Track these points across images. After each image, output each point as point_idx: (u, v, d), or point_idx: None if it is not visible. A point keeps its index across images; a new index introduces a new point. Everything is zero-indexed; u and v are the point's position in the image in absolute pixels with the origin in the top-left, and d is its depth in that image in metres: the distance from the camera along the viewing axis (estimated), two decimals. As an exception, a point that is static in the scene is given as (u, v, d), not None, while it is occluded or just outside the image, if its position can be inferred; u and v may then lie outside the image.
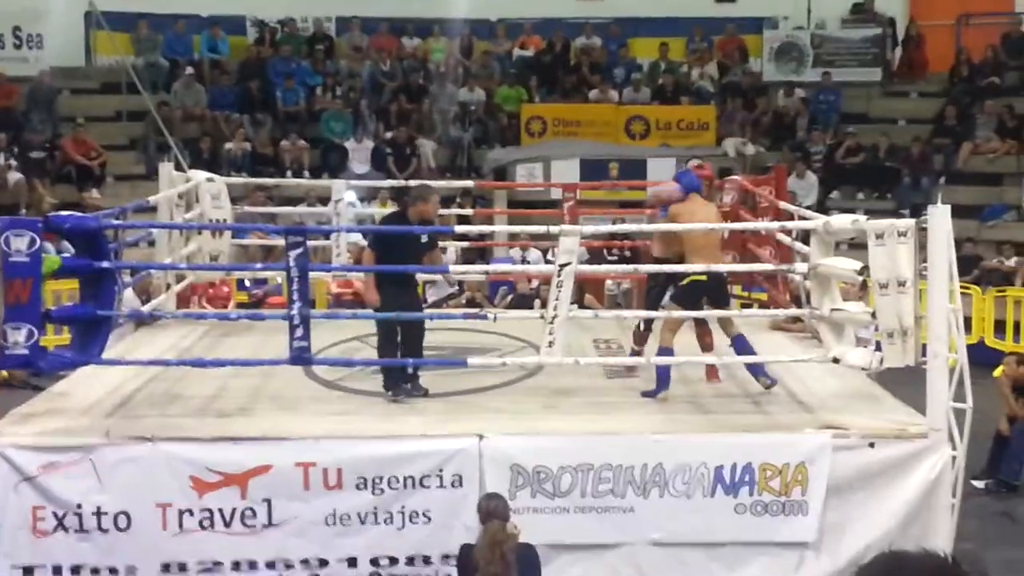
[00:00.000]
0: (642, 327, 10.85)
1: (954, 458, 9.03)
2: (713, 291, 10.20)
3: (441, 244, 15.86)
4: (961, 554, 6.23)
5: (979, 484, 12.32)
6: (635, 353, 10.85)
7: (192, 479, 8.86)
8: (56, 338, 12.81)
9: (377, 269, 10.22)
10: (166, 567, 8.88)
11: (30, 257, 8.99)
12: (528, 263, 16.70)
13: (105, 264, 9.61)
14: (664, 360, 10.01)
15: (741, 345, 10.31)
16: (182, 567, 8.89)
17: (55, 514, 8.87)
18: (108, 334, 10.28)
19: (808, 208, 15.34)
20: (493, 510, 7.93)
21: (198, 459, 8.90)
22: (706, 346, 10.55)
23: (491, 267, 12.49)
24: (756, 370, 10.20)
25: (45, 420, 9.47)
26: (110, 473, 8.86)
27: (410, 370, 10.24)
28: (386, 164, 22.48)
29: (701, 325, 10.60)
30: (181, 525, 8.87)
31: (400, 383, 10.14)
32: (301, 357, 9.34)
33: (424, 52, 25.50)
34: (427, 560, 8.91)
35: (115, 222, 11.65)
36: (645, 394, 10.18)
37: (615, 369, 10.89)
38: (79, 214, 10.67)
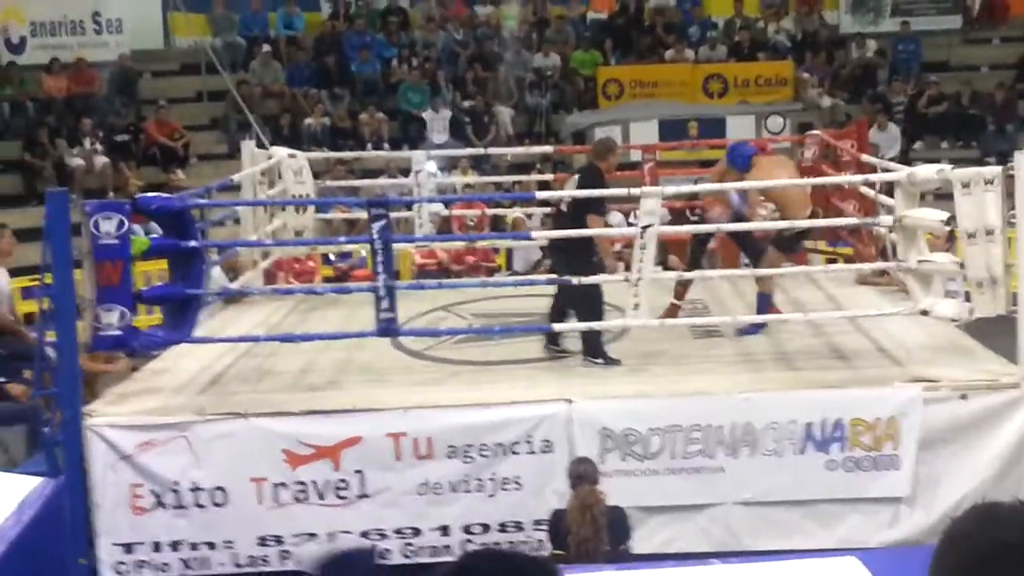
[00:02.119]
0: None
1: (1048, 407, 8.94)
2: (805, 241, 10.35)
3: (526, 211, 15.95)
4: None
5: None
6: (673, 308, 10.92)
7: (285, 453, 8.98)
8: (148, 318, 12.99)
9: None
10: (263, 540, 9.02)
11: (119, 239, 9.13)
12: (610, 226, 16.66)
13: (192, 243, 9.73)
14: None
15: (762, 302, 10.52)
16: (278, 539, 9.02)
17: (153, 491, 9.04)
18: (198, 312, 10.43)
19: (891, 160, 15.14)
20: (583, 474, 7.97)
21: (291, 433, 9.02)
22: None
23: (574, 232, 12.43)
24: (751, 330, 10.48)
25: (140, 399, 9.63)
26: (205, 450, 9.01)
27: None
28: (464, 133, 22.52)
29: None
30: (276, 499, 9.00)
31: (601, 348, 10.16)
32: (388, 328, 9.41)
33: (497, 19, 25.45)
34: (519, 526, 8.96)
35: (200, 201, 11.75)
36: (741, 332, 10.39)
37: (701, 329, 10.84)
38: (165, 195, 10.81)
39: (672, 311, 10.88)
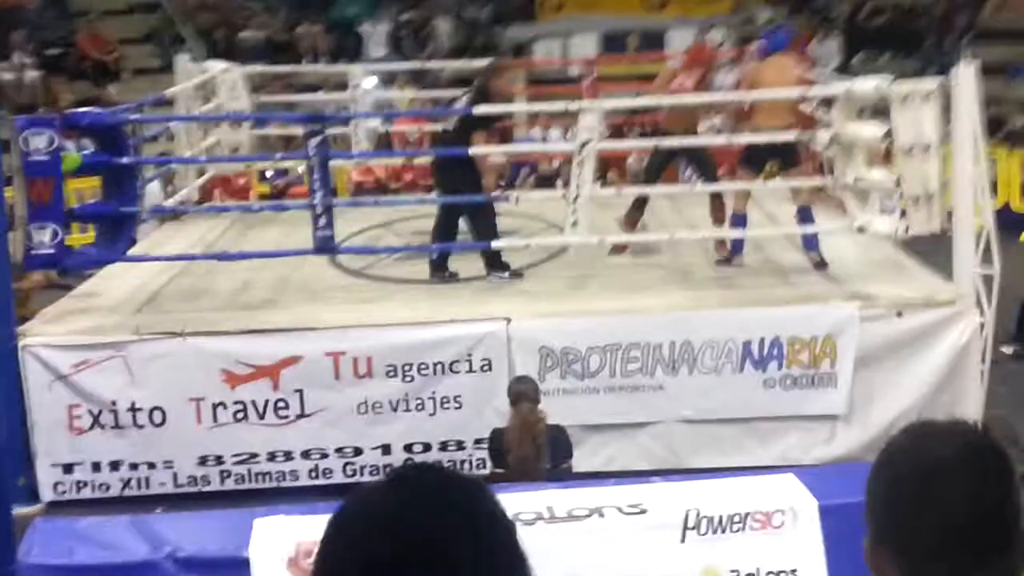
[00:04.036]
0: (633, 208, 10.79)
1: (982, 325, 9.02)
2: (783, 154, 10.10)
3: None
4: (991, 420, 6.22)
5: (1007, 350, 12.27)
6: (626, 230, 10.78)
7: (224, 372, 8.93)
8: (81, 236, 12.83)
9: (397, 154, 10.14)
10: (203, 460, 9.00)
11: (50, 156, 8.99)
12: (549, 143, 16.56)
13: (125, 160, 9.60)
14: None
15: (804, 216, 10.26)
16: (218, 459, 9.00)
17: (90, 411, 8.98)
18: (133, 230, 10.33)
19: (832, 71, 15.13)
20: (523, 393, 7.95)
21: (229, 352, 8.97)
22: (718, 220, 10.53)
23: (512, 148, 12.36)
24: (810, 243, 10.16)
25: (75, 319, 9.53)
26: (142, 369, 8.95)
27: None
28: (403, 47, 22.27)
29: (715, 198, 10.60)
30: (215, 419, 8.97)
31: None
32: (326, 247, 9.36)
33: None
34: (460, 445, 8.99)
35: (133, 116, 11.61)
36: (720, 262, 10.26)
37: (640, 247, 10.80)
38: (97, 110, 10.65)
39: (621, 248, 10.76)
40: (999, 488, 1.99)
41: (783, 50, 10.69)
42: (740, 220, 10.27)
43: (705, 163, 10.76)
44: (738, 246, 10.29)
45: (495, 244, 10.00)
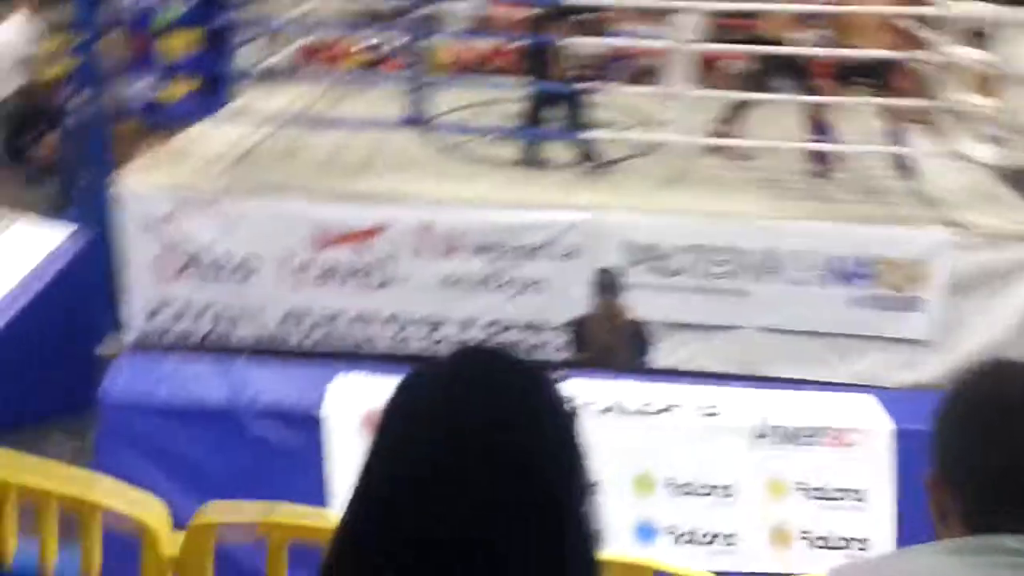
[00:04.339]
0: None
1: (1078, 261, 8.88)
2: (869, 72, 9.91)
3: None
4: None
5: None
6: (720, 135, 10.60)
7: (313, 234, 8.99)
8: (177, 90, 12.86)
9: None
10: (285, 317, 9.10)
11: (152, 8, 8.99)
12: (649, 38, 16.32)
13: (225, 17, 9.58)
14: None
15: (899, 136, 10.12)
16: (301, 318, 9.09)
17: (181, 259, 9.08)
18: (228, 88, 10.35)
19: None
20: (608, 284, 7.97)
21: (319, 215, 9.03)
22: (812, 130, 10.39)
23: (610, 40, 12.23)
24: (902, 163, 10.04)
25: (171, 169, 9.60)
26: (234, 223, 9.03)
27: None
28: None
29: (808, 109, 10.45)
30: (301, 278, 9.05)
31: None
32: (418, 120, 9.33)
33: None
34: (540, 328, 9.02)
35: (237, -26, 11.56)
36: (813, 173, 10.09)
37: (737, 152, 10.68)
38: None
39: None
40: None
41: None
42: (828, 131, 10.12)
43: (801, 73, 10.59)
44: (827, 158, 10.16)
45: (587, 135, 9.94)
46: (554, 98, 10.08)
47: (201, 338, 9.11)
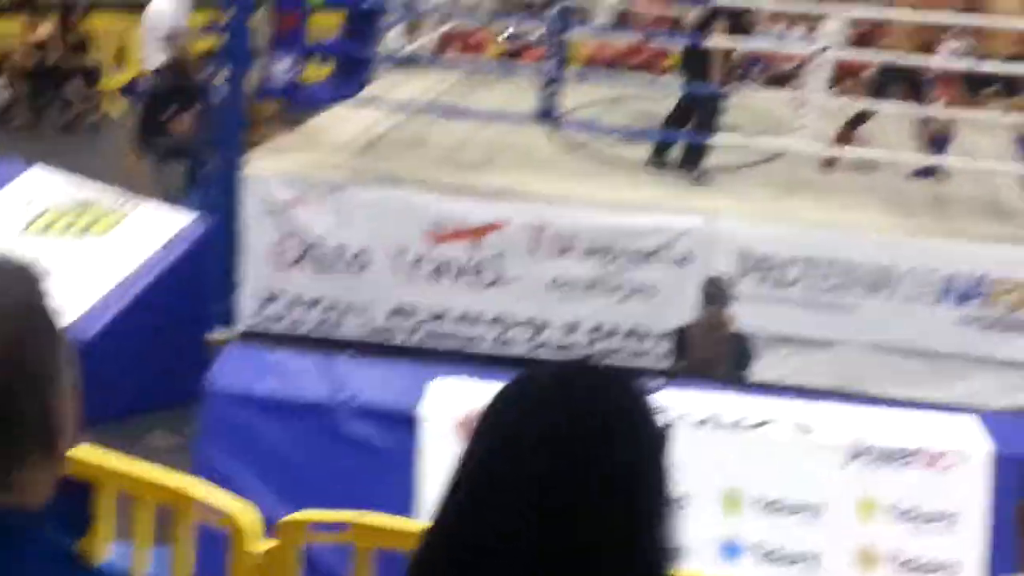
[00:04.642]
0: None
1: None
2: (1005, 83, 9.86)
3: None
4: None
5: None
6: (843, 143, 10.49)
7: (429, 227, 9.11)
8: (318, 72, 13.11)
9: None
10: (396, 311, 9.22)
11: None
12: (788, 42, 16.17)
13: (371, 1, 9.68)
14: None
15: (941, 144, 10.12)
16: (410, 313, 9.22)
17: (299, 246, 9.25)
18: (367, 72, 10.49)
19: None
20: (715, 294, 7.96)
21: (437, 209, 9.13)
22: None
23: (749, 43, 12.15)
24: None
25: (298, 154, 9.78)
26: (353, 212, 9.17)
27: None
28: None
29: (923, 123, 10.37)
30: (414, 272, 9.17)
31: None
32: (548, 115, 9.38)
33: None
34: (645, 334, 9.04)
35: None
36: (916, 173, 10.10)
37: (862, 163, 10.57)
38: (349, -49, 10.75)
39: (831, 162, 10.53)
40: None
41: None
42: (945, 145, 10.11)
43: (921, 85, 10.47)
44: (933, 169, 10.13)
45: (712, 140, 9.95)
46: (703, 100, 10.01)
47: (312, 328, 9.24)
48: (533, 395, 1.70)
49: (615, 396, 1.69)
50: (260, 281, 9.27)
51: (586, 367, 1.80)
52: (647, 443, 1.67)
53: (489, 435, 1.69)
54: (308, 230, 9.23)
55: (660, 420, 1.69)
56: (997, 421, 7.00)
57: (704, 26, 10.18)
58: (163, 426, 7.60)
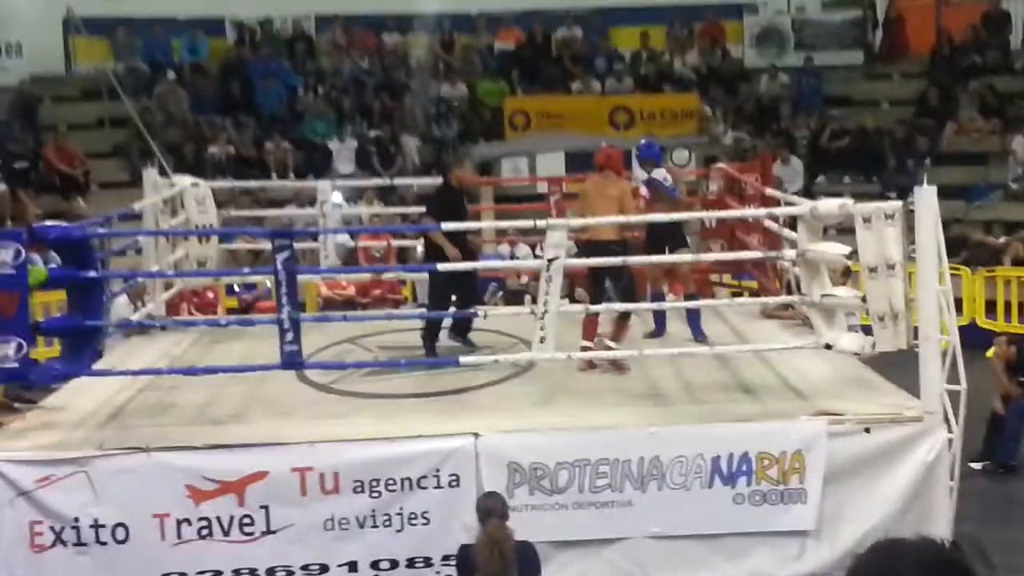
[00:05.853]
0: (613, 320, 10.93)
1: (950, 440, 9.04)
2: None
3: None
4: (960, 536, 6.19)
5: (976, 466, 12.31)
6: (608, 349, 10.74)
7: (188, 488, 8.82)
8: (46, 350, 12.75)
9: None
10: (162, 583, 8.84)
11: (16, 269, 8.97)
12: (517, 259, 16.65)
13: (92, 274, 9.59)
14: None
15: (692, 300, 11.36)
16: (179, 582, 8.84)
17: (52, 528, 8.82)
18: (99, 344, 10.26)
19: (794, 194, 15.32)
20: (491, 508, 7.91)
21: (194, 468, 8.87)
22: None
23: (480, 264, 12.41)
24: (697, 331, 11.35)
25: (39, 434, 9.42)
26: (106, 485, 8.82)
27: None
28: (371, 163, 22.42)
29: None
30: (179, 535, 8.83)
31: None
32: (293, 361, 9.33)
33: (405, 48, 25.37)
34: (427, 561, 8.89)
35: (100, 231, 11.58)
36: (698, 339, 11.16)
37: (607, 364, 10.78)
38: (64, 224, 10.65)
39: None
40: None
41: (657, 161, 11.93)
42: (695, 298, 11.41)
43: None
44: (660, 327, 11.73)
45: (464, 359, 10.08)
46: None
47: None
48: None
49: None
50: (15, 569, 8.77)
51: None
52: None
53: None
54: (59, 511, 8.80)
55: None
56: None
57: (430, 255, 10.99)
58: None
